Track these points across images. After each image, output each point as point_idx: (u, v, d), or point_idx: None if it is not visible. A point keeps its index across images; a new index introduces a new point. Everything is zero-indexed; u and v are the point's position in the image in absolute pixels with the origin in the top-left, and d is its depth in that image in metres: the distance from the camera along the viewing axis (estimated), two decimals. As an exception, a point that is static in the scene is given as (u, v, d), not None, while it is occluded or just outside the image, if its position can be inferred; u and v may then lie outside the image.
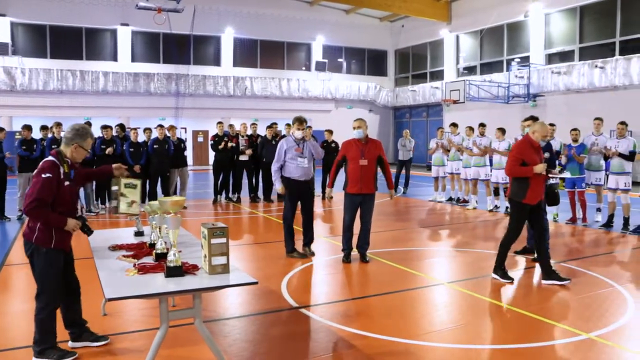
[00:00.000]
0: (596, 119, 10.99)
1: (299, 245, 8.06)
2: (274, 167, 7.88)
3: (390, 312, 5.56)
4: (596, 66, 20.55)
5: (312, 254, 7.97)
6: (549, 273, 6.55)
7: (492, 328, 5.15)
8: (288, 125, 13.86)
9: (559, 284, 6.43)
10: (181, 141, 13.37)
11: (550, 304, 5.96)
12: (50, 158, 4.18)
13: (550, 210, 11.00)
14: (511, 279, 6.57)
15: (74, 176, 4.32)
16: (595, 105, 19.72)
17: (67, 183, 4.19)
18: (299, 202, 7.93)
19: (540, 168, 6.18)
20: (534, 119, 7.93)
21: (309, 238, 8.05)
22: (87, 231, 4.40)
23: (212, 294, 5.74)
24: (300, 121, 7.72)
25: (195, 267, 3.79)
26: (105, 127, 12.09)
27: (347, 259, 7.61)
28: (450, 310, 5.71)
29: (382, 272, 7.17)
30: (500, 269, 6.63)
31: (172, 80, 27.15)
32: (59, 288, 4.29)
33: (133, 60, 27.28)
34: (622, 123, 10.40)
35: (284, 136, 14.56)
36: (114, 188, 4.80)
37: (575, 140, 10.67)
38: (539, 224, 6.64)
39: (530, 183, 6.31)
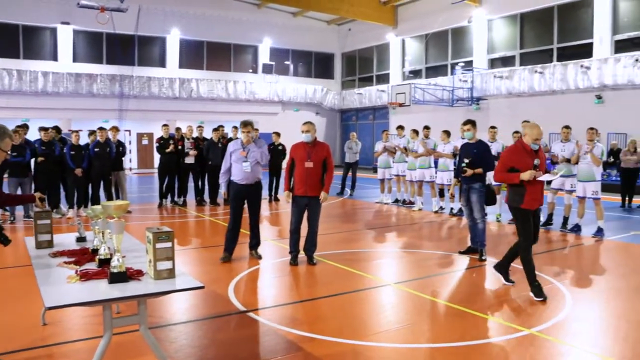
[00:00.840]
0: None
1: (243, 248, 8.02)
2: (222, 169, 7.87)
3: (337, 313, 5.60)
4: (536, 71, 21.27)
5: (259, 257, 7.93)
6: (502, 267, 6.58)
7: (437, 327, 5.25)
8: (235, 127, 13.78)
9: (503, 281, 6.58)
10: (121, 144, 13.08)
11: (494, 301, 6.13)
12: None
13: (494, 211, 11.32)
14: (544, 298, 5.93)
15: None
16: (535, 109, 20.43)
17: None
18: (245, 205, 7.86)
19: (526, 175, 5.82)
20: (471, 122, 8.19)
21: (255, 241, 8.00)
22: (4, 241, 4.10)
23: (158, 299, 5.63)
24: (244, 124, 7.66)
25: (140, 273, 3.71)
26: (43, 129, 11.73)
27: (294, 261, 7.61)
28: (397, 311, 5.79)
29: (330, 274, 7.20)
30: (534, 285, 6.04)
31: (115, 81, 26.50)
32: None
33: (75, 60, 26.48)
34: (567, 127, 10.68)
35: (230, 139, 14.49)
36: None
37: None
38: (538, 228, 6.43)
39: (527, 188, 5.95)
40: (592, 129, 10.20)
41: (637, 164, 14.21)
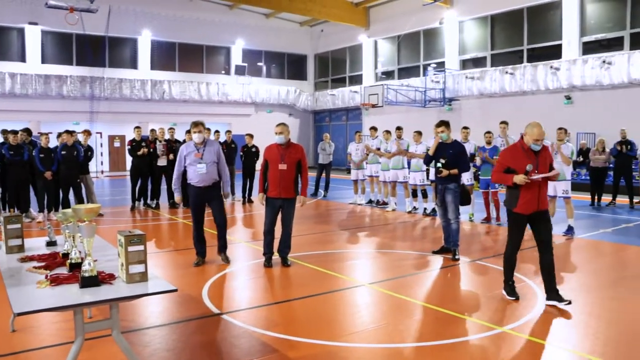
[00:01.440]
0: (501, 122, 11.49)
1: (212, 251, 7.96)
2: (174, 174, 7.70)
3: (312, 314, 5.60)
4: (507, 72, 21.57)
5: (227, 261, 7.76)
6: (551, 290, 5.79)
7: (412, 326, 5.28)
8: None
9: (559, 305, 5.67)
10: (90, 149, 12.89)
11: (467, 300, 6.20)
12: None
13: (467, 210, 11.44)
14: (516, 297, 5.92)
15: None
16: (506, 109, 20.69)
17: None
18: (208, 208, 7.69)
19: (519, 179, 5.54)
20: (445, 123, 8.24)
21: (221, 244, 7.80)
22: None
23: (130, 303, 5.57)
24: (195, 124, 7.46)
25: (111, 277, 3.67)
26: (10, 132, 11.51)
27: (268, 263, 7.58)
28: (372, 311, 5.81)
29: (304, 275, 7.20)
30: (508, 284, 6.04)
31: (86, 83, 26.12)
32: None
33: (43, 61, 26.02)
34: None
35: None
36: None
37: (488, 143, 11.12)
38: (540, 238, 5.91)
39: (520, 190, 5.68)
40: (561, 128, 10.33)
41: (606, 163, 14.50)
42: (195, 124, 7.47)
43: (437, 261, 8.00)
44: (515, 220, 5.89)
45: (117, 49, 28.13)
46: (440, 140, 8.22)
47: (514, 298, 5.93)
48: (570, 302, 5.61)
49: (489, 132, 11.22)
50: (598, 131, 18.27)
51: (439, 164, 8.07)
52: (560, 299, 5.66)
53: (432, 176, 12.04)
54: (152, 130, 14.14)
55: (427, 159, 8.45)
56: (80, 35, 25.30)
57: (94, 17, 24.16)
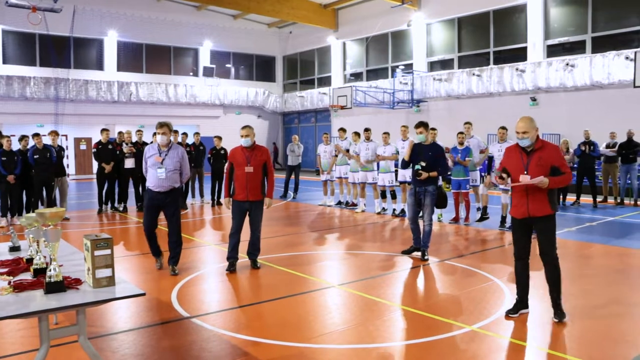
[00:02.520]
0: (465, 123, 11.71)
1: (186, 253, 7.88)
2: (144, 173, 7.42)
3: (282, 316, 5.59)
4: (474, 74, 21.85)
5: (175, 273, 7.26)
6: (554, 306, 5.39)
7: (382, 327, 5.31)
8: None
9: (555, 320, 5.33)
10: (62, 149, 12.69)
11: (437, 300, 6.26)
12: None
13: (436, 211, 11.54)
14: (513, 312, 5.46)
15: None
16: (473, 111, 21.03)
17: None
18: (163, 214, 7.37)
19: (485, 182, 5.24)
20: (424, 125, 8.19)
21: (172, 254, 7.35)
22: None
23: (98, 308, 5.48)
24: (160, 125, 7.13)
25: (78, 282, 3.60)
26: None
27: (231, 267, 7.41)
28: (342, 312, 5.82)
29: (274, 278, 7.18)
30: (516, 295, 5.60)
31: (50, 84, 25.55)
32: None
33: (5, 62, 25.35)
34: (503, 128, 11.10)
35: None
36: None
37: (461, 144, 11.23)
38: (539, 248, 5.48)
39: (512, 194, 5.47)
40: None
41: (570, 163, 14.80)
42: (161, 125, 7.13)
43: (407, 262, 8.06)
44: (512, 224, 5.67)
45: (82, 49, 27.60)
46: (419, 142, 8.20)
47: (512, 314, 5.43)
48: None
49: (461, 133, 11.32)
50: (562, 132, 18.65)
51: (418, 166, 7.99)
52: (559, 317, 5.28)
53: (400, 177, 12.18)
54: (120, 133, 13.95)
55: (403, 164, 8.30)
56: (44, 35, 24.76)
57: (58, 17, 23.68)
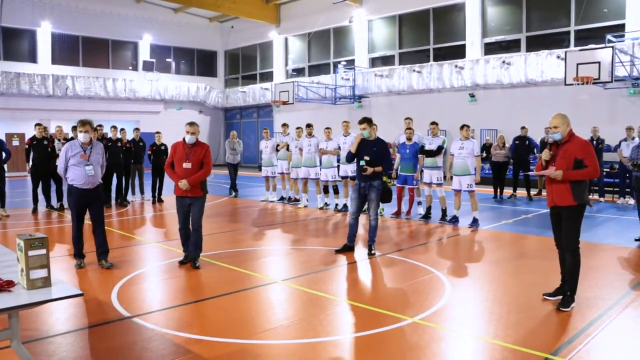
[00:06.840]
0: (406, 118, 11.96)
1: (125, 252, 7.72)
2: (60, 172, 7.34)
3: (225, 313, 5.55)
4: (414, 70, 22.21)
5: (109, 266, 7.36)
6: (563, 292, 5.68)
7: (325, 321, 5.35)
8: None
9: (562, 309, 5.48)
10: (2, 143, 12.14)
11: (379, 294, 6.36)
12: None
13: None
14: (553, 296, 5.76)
15: None
16: (414, 106, 21.37)
17: None
18: (88, 211, 7.39)
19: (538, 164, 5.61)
20: (367, 120, 8.24)
21: (102, 250, 7.45)
22: None
23: (32, 311, 5.29)
24: (82, 123, 7.17)
25: (10, 283, 3.47)
26: None
27: (185, 260, 7.54)
28: (286, 307, 5.83)
29: (216, 275, 7.12)
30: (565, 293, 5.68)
31: (-22, 77, 24.50)
32: None
33: None
34: (434, 123, 11.42)
35: (110, 139, 13.90)
36: None
37: (409, 139, 11.36)
38: (563, 234, 5.72)
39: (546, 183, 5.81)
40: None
41: (506, 157, 15.29)
42: (83, 123, 7.16)
43: (349, 256, 8.12)
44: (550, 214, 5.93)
45: (13, 40, 26.44)
46: (362, 137, 8.26)
47: (566, 309, 5.46)
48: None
49: (409, 129, 11.43)
50: (499, 127, 19.20)
51: (362, 162, 8.03)
52: (565, 304, 5.48)
53: (342, 172, 12.27)
54: (59, 127, 13.47)
55: (349, 156, 8.33)
56: (-29, 25, 23.69)
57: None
